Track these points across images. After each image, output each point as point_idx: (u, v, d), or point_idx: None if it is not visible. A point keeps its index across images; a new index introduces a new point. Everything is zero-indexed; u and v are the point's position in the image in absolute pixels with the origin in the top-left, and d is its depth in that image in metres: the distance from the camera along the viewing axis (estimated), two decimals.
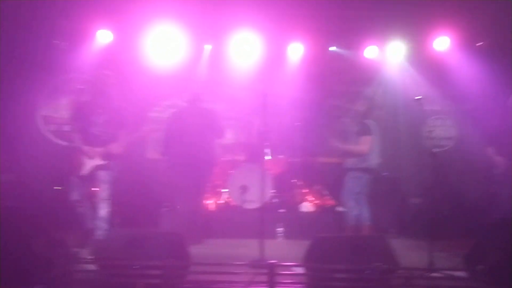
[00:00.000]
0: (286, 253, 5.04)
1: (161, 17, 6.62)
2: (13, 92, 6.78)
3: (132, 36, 6.94)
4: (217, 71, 7.37)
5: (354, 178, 5.31)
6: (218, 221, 6.20)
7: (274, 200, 6.51)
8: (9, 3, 5.91)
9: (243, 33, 6.93)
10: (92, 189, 5.11)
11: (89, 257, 4.22)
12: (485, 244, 4.06)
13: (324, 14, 6.67)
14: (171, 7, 6.38)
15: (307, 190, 6.89)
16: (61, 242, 4.02)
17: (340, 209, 5.79)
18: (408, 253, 4.97)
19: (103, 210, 4.94)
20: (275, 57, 7.28)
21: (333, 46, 7.32)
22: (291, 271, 4.03)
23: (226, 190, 6.52)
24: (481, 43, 6.92)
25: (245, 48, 7.08)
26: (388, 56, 7.23)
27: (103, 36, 6.85)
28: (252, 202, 6.19)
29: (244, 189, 6.26)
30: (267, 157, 6.60)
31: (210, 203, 6.49)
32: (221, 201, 6.56)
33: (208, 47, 7.25)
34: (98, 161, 4.96)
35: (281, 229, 6.00)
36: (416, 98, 4.75)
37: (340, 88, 7.77)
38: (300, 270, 3.93)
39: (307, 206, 6.55)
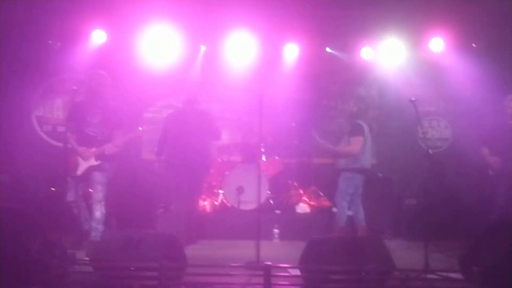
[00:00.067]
0: (282, 254, 5.04)
1: (156, 18, 6.60)
2: (7, 92, 6.74)
3: (127, 36, 6.91)
4: (213, 72, 7.36)
5: (347, 179, 5.32)
6: (214, 222, 6.20)
7: (270, 201, 6.51)
8: (3, 3, 5.87)
9: (238, 34, 6.92)
10: (88, 190, 5.08)
11: (85, 258, 4.21)
12: (480, 246, 4.07)
13: (319, 15, 6.67)
14: (166, 7, 6.36)
15: (303, 191, 6.89)
16: (57, 243, 4.00)
17: (336, 210, 5.78)
18: (404, 254, 4.99)
19: (99, 211, 4.92)
20: (270, 58, 7.27)
21: (329, 47, 7.32)
22: (287, 272, 4.03)
23: (222, 191, 6.51)
24: (476, 44, 6.95)
25: (240, 48, 7.06)
26: (383, 57, 7.24)
27: (98, 36, 6.81)
28: (248, 203, 6.18)
29: (240, 190, 6.25)
30: (263, 158, 6.59)
31: (206, 204, 6.48)
32: (217, 202, 6.55)
33: (203, 48, 7.23)
34: (93, 162, 4.93)
35: (277, 230, 5.99)
36: (411, 99, 4.77)
37: (335, 89, 7.79)
38: (296, 271, 3.93)
39: (303, 207, 6.55)
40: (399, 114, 7.00)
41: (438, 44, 6.96)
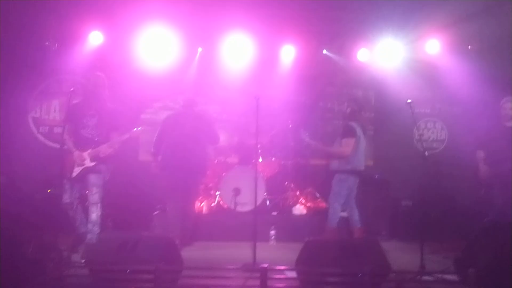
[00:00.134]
0: (279, 256, 5.04)
1: (153, 19, 6.60)
2: (4, 93, 6.73)
3: (124, 38, 6.91)
4: (209, 73, 7.36)
5: (340, 181, 5.32)
6: (210, 223, 6.19)
7: (266, 203, 6.51)
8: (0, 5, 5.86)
9: (235, 35, 6.93)
10: (84, 192, 5.08)
11: (81, 261, 4.20)
12: (476, 247, 4.09)
13: (316, 16, 6.69)
14: (163, 9, 6.36)
15: (299, 193, 6.90)
16: (52, 245, 4.00)
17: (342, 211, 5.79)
18: (400, 255, 5.00)
19: (95, 214, 4.91)
20: (267, 60, 7.28)
21: (325, 48, 7.34)
22: (284, 274, 4.03)
23: (219, 192, 6.51)
24: (472, 46, 6.97)
25: (237, 50, 7.07)
26: (380, 59, 7.26)
27: (95, 38, 6.81)
28: (245, 204, 6.18)
29: (236, 191, 6.25)
30: (260, 160, 6.59)
31: (203, 205, 6.47)
32: (214, 204, 6.55)
33: (200, 49, 7.23)
34: (88, 163, 4.93)
35: (274, 232, 5.99)
36: (408, 101, 4.78)
37: (332, 90, 7.81)
38: (292, 273, 3.93)
39: (299, 209, 6.56)
40: (395, 116, 7.02)
41: (434, 46, 6.99)
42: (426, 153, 4.64)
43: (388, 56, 7.22)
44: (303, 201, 6.79)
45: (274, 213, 6.46)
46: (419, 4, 6.21)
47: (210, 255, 5.30)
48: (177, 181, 5.58)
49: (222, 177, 6.44)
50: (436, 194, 6.37)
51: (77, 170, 4.92)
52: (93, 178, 4.94)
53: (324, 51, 7.34)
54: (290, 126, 6.96)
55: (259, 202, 5.99)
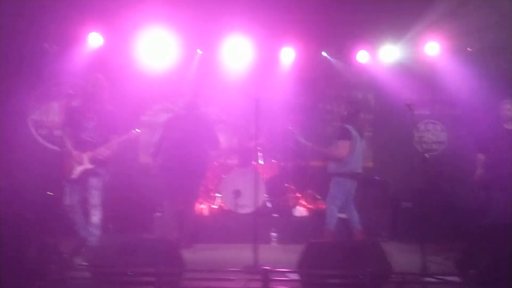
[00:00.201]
0: (280, 258, 5.04)
1: (153, 21, 6.60)
2: (3, 96, 6.72)
3: (123, 40, 6.91)
4: (209, 76, 7.37)
5: (336, 183, 5.33)
6: (211, 226, 6.19)
7: (267, 205, 6.51)
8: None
9: (235, 38, 6.94)
10: (84, 194, 5.07)
11: (82, 263, 4.20)
12: (476, 248, 4.10)
13: (315, 19, 6.70)
14: (162, 11, 6.37)
15: (300, 195, 6.90)
16: (54, 248, 3.99)
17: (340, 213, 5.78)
18: (401, 257, 5.01)
19: (95, 216, 4.90)
20: (266, 62, 7.29)
21: (325, 50, 7.36)
22: (285, 276, 4.03)
23: (219, 194, 6.51)
24: (471, 48, 6.99)
25: (237, 52, 7.08)
26: (379, 60, 7.28)
27: (94, 40, 6.81)
28: (245, 206, 6.18)
29: (237, 193, 6.25)
30: (260, 162, 6.60)
31: (203, 208, 6.47)
32: (214, 206, 6.55)
33: (199, 52, 7.24)
34: (87, 165, 4.92)
35: (275, 233, 5.99)
36: (407, 103, 4.80)
37: (331, 92, 7.82)
38: (293, 275, 3.94)
39: (300, 211, 6.56)
40: (395, 118, 7.04)
41: (433, 48, 7.00)
42: (426, 154, 4.65)
43: (387, 58, 7.24)
44: (304, 202, 6.79)
45: (275, 215, 6.46)
46: (419, 6, 6.23)
47: (211, 257, 5.30)
48: (176, 183, 5.59)
49: (222, 179, 6.44)
50: (436, 195, 6.39)
51: (76, 172, 4.91)
52: (93, 181, 4.94)
53: (323, 54, 7.36)
54: (290, 127, 6.96)
55: (259, 204, 5.99)
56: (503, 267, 3.74)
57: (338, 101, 7.61)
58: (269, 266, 4.00)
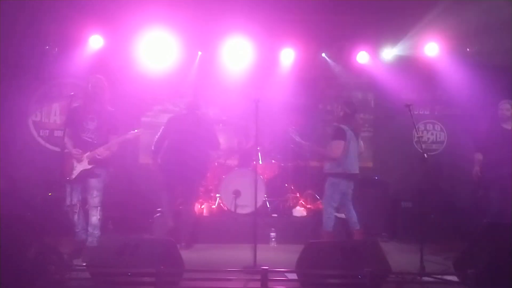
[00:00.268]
0: (279, 258, 5.06)
1: (153, 23, 6.62)
2: (4, 97, 6.75)
3: (124, 41, 6.93)
4: (210, 77, 7.39)
5: (332, 184, 5.31)
6: (211, 226, 6.20)
7: (266, 205, 6.52)
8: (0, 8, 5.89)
9: (235, 39, 6.95)
10: (84, 195, 5.09)
11: (82, 264, 4.22)
12: (475, 248, 4.11)
13: (315, 19, 6.71)
14: (163, 12, 6.39)
15: (299, 195, 6.91)
16: (53, 249, 4.01)
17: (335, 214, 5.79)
18: (400, 257, 5.02)
19: (95, 217, 4.92)
20: (267, 62, 7.31)
21: (325, 51, 7.37)
22: (284, 276, 4.05)
23: (219, 195, 6.53)
24: (470, 49, 7.00)
25: (237, 53, 7.10)
26: (379, 61, 7.29)
27: (95, 42, 6.83)
28: (245, 206, 6.20)
29: (236, 193, 6.27)
30: (260, 162, 6.61)
31: (203, 208, 6.49)
32: (214, 206, 6.57)
33: (200, 53, 7.26)
34: (86, 166, 4.93)
35: (274, 233, 6.01)
36: (407, 104, 4.81)
37: (331, 93, 7.83)
38: (293, 275, 3.95)
39: (300, 211, 6.57)
40: (394, 118, 7.05)
41: (433, 48, 7.01)
42: (426, 155, 4.66)
43: (386, 58, 7.25)
44: (303, 203, 6.81)
45: (274, 215, 6.47)
46: (418, 7, 6.24)
47: (210, 257, 5.31)
48: (176, 183, 5.62)
49: (222, 180, 6.46)
50: (436, 195, 6.40)
51: (75, 173, 4.93)
52: (93, 181, 4.96)
53: (323, 55, 7.37)
54: (286, 127, 6.98)
55: (259, 204, 6.00)
56: (502, 267, 3.75)
57: (338, 102, 7.62)
58: (268, 266, 4.01)
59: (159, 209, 6.09)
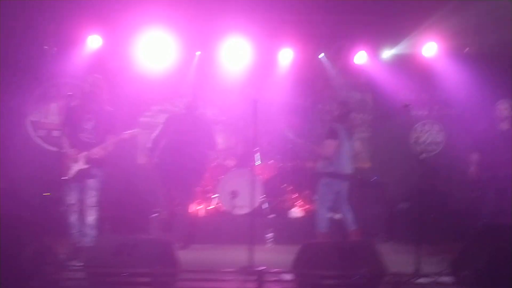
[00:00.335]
0: (276, 259, 5.05)
1: (152, 23, 6.62)
2: (3, 97, 6.75)
3: (122, 41, 6.93)
4: (208, 77, 7.39)
5: (324, 184, 5.29)
6: (207, 226, 6.20)
7: (264, 206, 6.53)
8: None
9: (233, 39, 6.95)
10: (81, 195, 5.08)
11: (78, 264, 4.22)
12: (471, 249, 4.11)
13: (314, 20, 6.72)
14: (161, 12, 6.39)
15: (297, 196, 6.91)
16: (50, 249, 4.01)
17: (331, 214, 5.79)
18: (396, 258, 5.02)
19: (92, 217, 4.93)
20: (265, 63, 7.31)
21: (323, 51, 7.37)
22: (281, 277, 4.05)
23: (216, 195, 6.53)
24: (469, 49, 7.01)
25: (235, 53, 7.10)
26: (377, 61, 7.30)
27: (93, 41, 6.83)
28: (242, 207, 6.20)
29: (234, 194, 6.27)
30: (257, 162, 6.62)
31: (200, 208, 6.49)
32: (211, 207, 6.57)
33: (198, 53, 7.26)
34: (82, 166, 4.93)
35: (271, 234, 6.01)
36: (405, 104, 4.81)
37: (330, 93, 7.83)
38: (289, 276, 3.95)
39: (297, 212, 6.57)
40: (392, 118, 7.05)
41: (431, 48, 7.01)
42: (423, 155, 4.66)
43: (385, 58, 7.25)
44: (301, 203, 6.81)
45: (272, 216, 6.48)
46: (417, 7, 6.24)
47: (207, 258, 5.31)
48: (173, 183, 5.62)
49: (220, 180, 6.46)
50: (433, 196, 6.40)
51: (71, 173, 4.93)
52: (89, 181, 4.95)
53: (321, 56, 7.37)
54: (288, 129, 6.98)
55: (256, 205, 6.00)
56: (498, 267, 3.75)
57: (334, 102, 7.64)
58: (265, 267, 4.02)
59: (155, 209, 6.10)
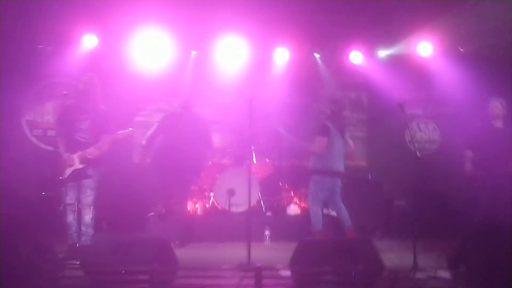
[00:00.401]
0: (273, 256, 5.07)
1: (147, 22, 6.62)
2: None
3: (118, 40, 6.92)
4: (203, 76, 7.39)
5: (315, 182, 5.27)
6: (204, 224, 6.21)
7: (261, 204, 6.54)
8: None
9: (229, 38, 6.96)
10: (77, 194, 5.07)
11: (76, 263, 4.21)
12: (467, 246, 4.14)
13: (309, 19, 6.74)
14: (157, 12, 6.39)
15: (293, 193, 6.93)
16: (47, 248, 4.00)
17: (326, 212, 5.81)
18: (393, 254, 5.05)
19: (88, 216, 4.91)
20: (261, 62, 7.32)
21: (319, 50, 7.40)
22: (278, 274, 4.06)
23: (213, 193, 6.53)
24: (463, 48, 7.05)
25: (231, 53, 7.11)
26: (372, 60, 7.33)
27: (89, 41, 6.82)
28: (239, 205, 6.20)
29: (231, 192, 6.27)
30: (254, 161, 6.63)
31: (197, 207, 6.49)
32: (208, 205, 6.57)
33: (194, 52, 7.26)
34: (77, 165, 4.92)
35: (268, 232, 6.02)
36: (399, 103, 4.83)
37: (325, 92, 7.85)
38: (286, 273, 3.97)
39: (294, 209, 6.59)
40: (388, 117, 7.08)
41: (426, 48, 7.05)
42: (419, 154, 4.69)
43: (380, 57, 7.29)
44: (297, 201, 6.83)
45: (269, 214, 6.49)
46: (411, 6, 6.28)
47: (204, 256, 5.32)
48: (170, 181, 5.62)
49: (216, 179, 6.47)
50: (429, 194, 6.44)
51: (67, 173, 4.91)
52: (86, 181, 4.94)
53: (316, 55, 7.40)
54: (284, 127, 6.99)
55: (253, 203, 6.01)
56: (495, 265, 3.78)
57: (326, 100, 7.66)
58: (262, 264, 4.03)
59: (153, 208, 6.10)
